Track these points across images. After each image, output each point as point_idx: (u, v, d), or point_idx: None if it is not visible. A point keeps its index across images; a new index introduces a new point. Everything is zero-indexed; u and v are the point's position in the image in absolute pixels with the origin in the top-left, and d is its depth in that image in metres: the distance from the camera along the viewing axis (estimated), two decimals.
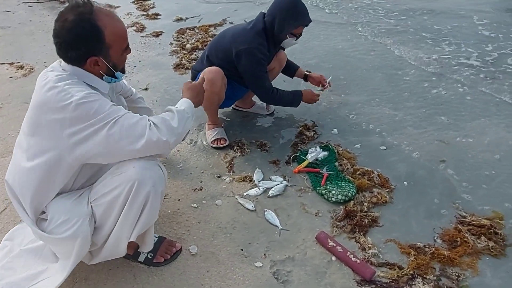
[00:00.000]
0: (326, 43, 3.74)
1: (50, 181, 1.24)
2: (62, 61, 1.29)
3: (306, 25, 2.15)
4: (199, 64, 2.30)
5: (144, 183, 1.24)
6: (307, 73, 2.57)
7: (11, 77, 3.18)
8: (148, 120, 1.26)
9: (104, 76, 1.33)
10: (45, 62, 3.40)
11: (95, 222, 1.30)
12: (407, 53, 3.50)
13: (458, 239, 1.72)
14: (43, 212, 1.29)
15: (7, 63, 3.41)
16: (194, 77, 2.31)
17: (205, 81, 1.68)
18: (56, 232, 1.24)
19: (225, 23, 4.24)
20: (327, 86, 2.53)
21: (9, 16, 4.63)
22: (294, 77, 2.61)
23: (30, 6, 4.94)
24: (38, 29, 4.19)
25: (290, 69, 2.57)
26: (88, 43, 1.22)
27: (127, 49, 1.35)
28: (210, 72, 2.07)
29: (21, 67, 3.30)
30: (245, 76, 2.15)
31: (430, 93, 2.89)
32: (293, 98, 2.32)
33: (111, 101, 1.42)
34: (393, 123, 2.54)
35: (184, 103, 1.47)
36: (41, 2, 5.06)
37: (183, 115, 1.37)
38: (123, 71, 1.40)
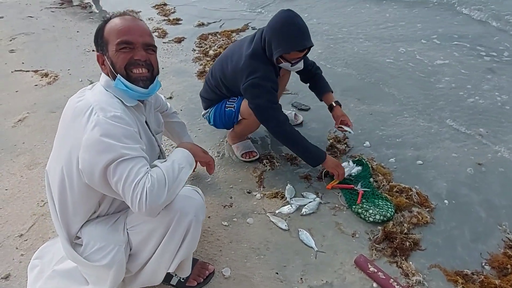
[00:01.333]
0: (352, 47, 3.63)
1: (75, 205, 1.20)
2: None
3: (303, 50, 1.83)
4: (209, 92, 2.17)
5: (186, 212, 1.19)
6: (334, 104, 2.20)
7: (36, 85, 3.19)
8: (144, 185, 1.08)
9: (112, 80, 1.25)
10: (69, 70, 3.40)
11: (130, 249, 1.24)
12: (438, 58, 3.36)
13: (509, 266, 1.60)
14: (78, 238, 1.24)
15: (32, 71, 3.42)
16: (206, 106, 2.23)
17: (249, 113, 1.78)
18: (92, 258, 1.19)
19: (248, 28, 4.18)
20: (344, 130, 2.17)
21: (32, 22, 4.67)
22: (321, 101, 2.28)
23: (53, 12, 4.98)
24: (61, 35, 4.20)
25: (321, 89, 2.24)
26: (95, 39, 1.27)
27: (129, 47, 1.21)
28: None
29: (46, 75, 3.31)
30: (255, 109, 1.92)
31: (466, 102, 2.75)
32: (312, 154, 1.96)
33: (145, 121, 1.37)
34: (429, 136, 2.42)
35: (179, 152, 1.29)
36: (63, 8, 5.10)
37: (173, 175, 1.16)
38: (130, 79, 1.22)
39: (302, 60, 1.94)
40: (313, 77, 2.25)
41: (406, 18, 4.36)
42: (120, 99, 1.24)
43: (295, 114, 2.57)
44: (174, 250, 1.23)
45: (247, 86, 1.87)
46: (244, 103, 1.99)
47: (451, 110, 2.67)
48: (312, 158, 1.99)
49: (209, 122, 2.23)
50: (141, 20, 1.29)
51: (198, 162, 1.38)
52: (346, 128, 2.14)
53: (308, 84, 2.29)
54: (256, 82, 1.85)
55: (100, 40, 1.25)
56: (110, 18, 1.26)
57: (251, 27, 4.20)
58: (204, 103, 2.25)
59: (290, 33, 1.77)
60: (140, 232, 1.21)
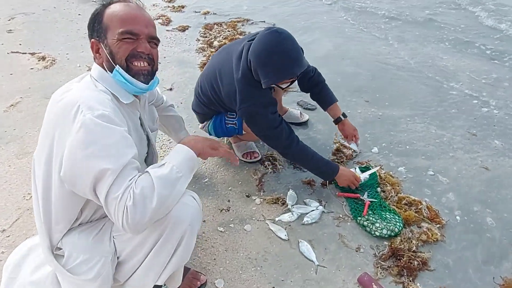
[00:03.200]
0: (362, 47, 3.48)
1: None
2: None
3: (296, 77, 1.64)
4: (201, 107, 1.97)
5: (181, 220, 1.07)
6: (342, 117, 2.02)
7: (32, 69, 3.05)
8: (125, 203, 0.94)
9: (107, 72, 1.13)
10: (67, 54, 3.25)
11: (118, 257, 1.13)
12: (453, 62, 3.22)
13: None
14: (59, 248, 1.12)
15: (29, 53, 3.28)
16: (203, 120, 2.05)
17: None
18: (75, 272, 1.08)
19: (253, 20, 4.02)
20: (353, 144, 2.05)
21: (33, 1, 4.51)
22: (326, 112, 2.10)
23: None
24: (62, 17, 4.05)
25: (326, 99, 2.03)
26: (91, 24, 1.15)
27: (132, 38, 1.10)
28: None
29: (43, 58, 3.17)
30: (256, 135, 1.78)
31: (481, 112, 2.61)
32: (323, 168, 1.83)
33: (140, 118, 1.24)
34: (441, 144, 2.29)
35: (180, 154, 1.10)
36: None
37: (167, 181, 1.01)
38: (131, 72, 1.12)
39: (295, 81, 1.74)
40: (315, 85, 2.03)
41: (423, 17, 4.20)
42: (114, 94, 1.12)
43: (300, 112, 2.44)
44: (164, 261, 1.11)
45: (243, 113, 1.70)
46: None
47: (465, 119, 2.53)
48: (323, 174, 1.87)
49: (210, 135, 2.06)
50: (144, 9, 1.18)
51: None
52: (352, 146, 2.02)
53: (310, 94, 2.08)
54: (252, 110, 1.67)
55: (98, 25, 1.12)
56: (111, 2, 1.13)
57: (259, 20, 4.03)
58: (199, 117, 2.08)
59: (277, 62, 1.54)
60: (128, 240, 1.09)
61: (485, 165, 2.14)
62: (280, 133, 1.72)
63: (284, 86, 1.70)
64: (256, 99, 1.66)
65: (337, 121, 2.03)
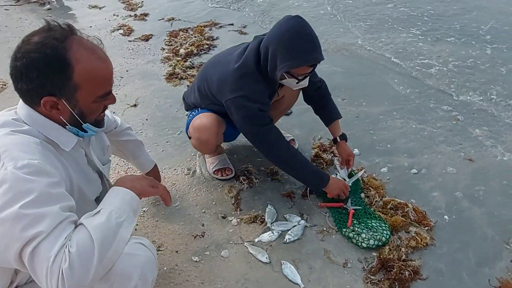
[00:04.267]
0: (334, 39, 3.38)
1: None
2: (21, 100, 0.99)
3: (313, 65, 1.56)
4: (191, 94, 1.88)
5: (129, 276, 0.91)
6: (339, 139, 1.88)
7: None
8: (60, 267, 0.79)
9: (67, 125, 0.98)
10: None
11: None
12: (427, 52, 3.15)
13: None
14: None
15: None
16: (187, 108, 1.94)
17: (196, 139, 1.51)
18: None
19: (221, 23, 3.86)
20: (342, 171, 1.89)
21: None
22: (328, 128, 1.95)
23: (7, 10, 4.53)
24: (15, 36, 3.79)
25: (330, 115, 1.90)
26: (45, 76, 0.91)
27: (107, 97, 1.01)
28: (201, 130, 1.73)
29: None
30: (241, 131, 1.69)
31: (459, 100, 2.54)
32: (313, 177, 1.71)
33: (86, 155, 1.09)
34: (422, 139, 2.20)
35: (117, 196, 0.96)
36: (19, 5, 4.64)
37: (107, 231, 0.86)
38: (98, 124, 1.05)
39: (308, 77, 1.63)
40: (322, 98, 1.90)
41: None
42: (52, 141, 0.97)
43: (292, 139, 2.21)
44: None
45: (229, 104, 1.59)
46: (194, 120, 1.75)
47: (443, 109, 2.45)
48: (313, 183, 1.75)
49: (187, 126, 1.91)
50: None
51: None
52: (342, 173, 1.88)
53: (314, 106, 1.95)
54: (240, 102, 1.57)
55: (61, 81, 0.92)
56: (65, 37, 0.92)
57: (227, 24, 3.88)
58: (185, 105, 1.97)
59: (301, 45, 1.46)
60: None
61: (468, 156, 2.06)
62: (268, 132, 1.62)
63: (300, 77, 1.56)
64: (248, 92, 1.57)
65: (334, 141, 1.92)
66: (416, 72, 2.88)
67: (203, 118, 1.72)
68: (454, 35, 3.43)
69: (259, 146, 1.69)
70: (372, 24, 3.71)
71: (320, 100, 1.90)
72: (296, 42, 1.46)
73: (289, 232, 1.66)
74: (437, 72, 2.86)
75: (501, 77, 2.78)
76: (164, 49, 3.38)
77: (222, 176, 1.92)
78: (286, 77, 1.55)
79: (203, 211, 1.79)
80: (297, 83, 1.59)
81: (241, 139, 2.21)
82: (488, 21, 3.68)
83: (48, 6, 4.48)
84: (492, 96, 2.55)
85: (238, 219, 1.73)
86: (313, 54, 1.48)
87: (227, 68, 1.61)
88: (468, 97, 2.56)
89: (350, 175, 1.89)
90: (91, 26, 3.90)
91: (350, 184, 1.81)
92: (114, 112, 1.73)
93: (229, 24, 3.83)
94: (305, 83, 1.63)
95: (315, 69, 1.63)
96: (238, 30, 3.68)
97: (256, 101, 1.58)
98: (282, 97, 1.91)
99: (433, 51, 3.17)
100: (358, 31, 3.59)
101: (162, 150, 2.15)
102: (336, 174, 1.89)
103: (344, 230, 1.65)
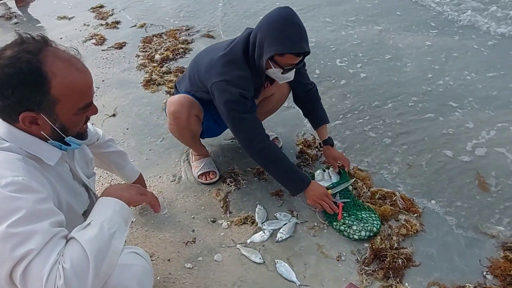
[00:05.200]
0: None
1: None
2: None
3: (299, 55, 1.54)
4: (182, 82, 1.86)
5: (126, 287, 0.88)
6: (326, 144, 1.88)
7: None
8: (58, 276, 0.76)
9: (49, 140, 0.95)
10: None
11: None
12: (398, 41, 3.22)
13: None
14: None
15: None
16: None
17: (168, 114, 1.42)
18: None
19: (194, 27, 3.82)
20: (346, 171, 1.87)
21: None
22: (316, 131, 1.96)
23: None
24: None
25: (319, 118, 1.91)
26: (21, 92, 0.87)
27: (88, 108, 0.98)
28: (173, 103, 1.70)
29: None
30: (222, 117, 1.66)
31: (433, 86, 2.60)
32: (291, 177, 1.65)
33: (70, 170, 1.06)
34: (397, 125, 2.24)
35: (107, 207, 0.94)
36: None
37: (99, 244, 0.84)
38: (81, 137, 1.02)
39: (294, 70, 1.63)
40: (312, 101, 1.90)
41: None
42: (36, 156, 0.94)
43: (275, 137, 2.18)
44: None
45: (213, 89, 1.59)
46: (171, 99, 1.74)
47: (409, 93, 2.53)
48: (288, 185, 1.69)
49: None
50: None
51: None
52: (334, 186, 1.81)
53: (303, 109, 1.96)
54: (222, 86, 1.57)
55: (36, 94, 0.88)
56: (39, 50, 0.88)
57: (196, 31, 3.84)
58: (175, 92, 1.92)
59: (289, 32, 1.48)
60: None
61: (447, 133, 2.11)
62: (247, 120, 1.59)
63: (285, 67, 1.56)
64: (231, 77, 1.56)
65: (321, 145, 1.94)
66: (391, 61, 2.92)
67: (179, 96, 1.73)
68: (428, 24, 3.50)
69: (237, 135, 1.66)
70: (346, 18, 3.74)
71: (311, 102, 1.91)
72: (284, 29, 1.48)
73: (280, 230, 1.65)
74: (411, 60, 2.91)
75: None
76: (139, 56, 3.31)
77: (207, 180, 1.89)
78: (272, 66, 1.56)
79: (192, 216, 1.76)
80: (282, 73, 1.59)
81: (226, 141, 2.21)
82: None
83: (15, 20, 4.32)
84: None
85: (228, 222, 1.71)
86: (300, 43, 1.49)
87: (215, 54, 1.63)
88: (445, 81, 2.63)
89: (343, 178, 1.85)
90: (61, 38, 3.78)
91: (333, 193, 1.75)
92: (93, 124, 1.67)
93: (202, 28, 3.79)
94: (290, 75, 1.64)
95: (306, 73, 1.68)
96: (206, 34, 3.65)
97: (238, 86, 1.56)
98: (271, 95, 1.90)
99: (405, 41, 3.23)
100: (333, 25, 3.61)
101: (146, 159, 2.11)
102: (321, 171, 1.90)
103: (335, 223, 1.66)
